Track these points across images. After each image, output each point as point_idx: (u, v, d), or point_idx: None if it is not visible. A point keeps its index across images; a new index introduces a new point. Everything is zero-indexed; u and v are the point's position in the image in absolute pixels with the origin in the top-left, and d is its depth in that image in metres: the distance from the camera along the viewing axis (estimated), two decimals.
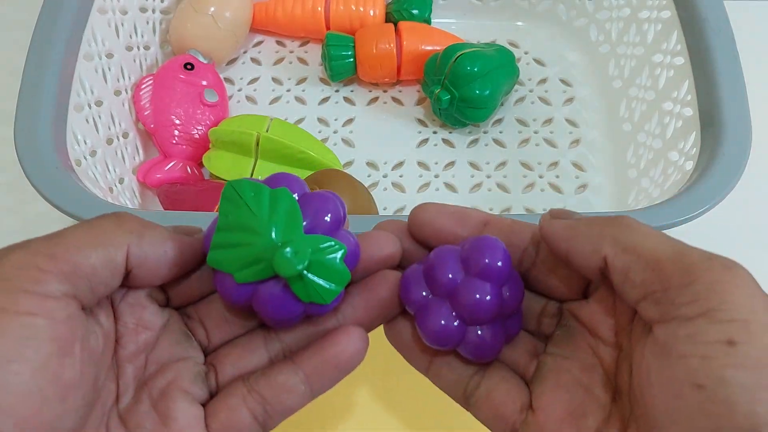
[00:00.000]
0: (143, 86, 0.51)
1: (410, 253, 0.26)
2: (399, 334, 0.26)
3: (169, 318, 0.25)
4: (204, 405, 0.24)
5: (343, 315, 0.25)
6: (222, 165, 0.49)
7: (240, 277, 0.23)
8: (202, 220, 0.38)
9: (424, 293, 0.24)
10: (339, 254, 0.23)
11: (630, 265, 0.21)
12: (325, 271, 0.22)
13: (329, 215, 0.23)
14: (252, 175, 0.48)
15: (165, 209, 0.47)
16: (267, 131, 0.48)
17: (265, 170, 0.49)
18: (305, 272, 0.22)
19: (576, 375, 0.23)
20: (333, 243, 0.23)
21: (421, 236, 0.26)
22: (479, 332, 0.24)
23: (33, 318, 0.19)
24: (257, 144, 0.48)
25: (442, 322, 0.24)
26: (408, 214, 0.24)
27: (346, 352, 0.23)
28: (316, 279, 0.22)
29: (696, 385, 0.18)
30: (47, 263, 0.20)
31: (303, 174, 0.47)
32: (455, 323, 0.24)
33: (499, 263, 0.23)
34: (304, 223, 0.23)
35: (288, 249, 0.22)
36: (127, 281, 0.23)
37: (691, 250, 0.21)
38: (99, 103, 0.47)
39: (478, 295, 0.23)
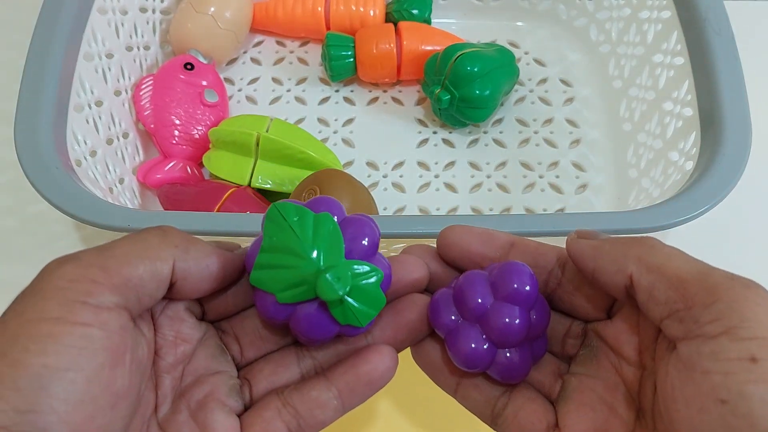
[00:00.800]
0: (143, 86, 0.51)
1: (437, 276, 0.27)
2: (427, 356, 0.26)
3: (206, 332, 0.26)
4: (239, 417, 0.24)
5: (373, 336, 0.26)
6: (222, 165, 0.49)
7: (282, 297, 0.24)
8: (202, 220, 0.38)
9: (453, 317, 0.25)
10: (375, 279, 0.24)
11: (655, 284, 0.22)
12: (363, 295, 0.23)
13: (366, 239, 0.24)
14: (252, 174, 0.48)
15: (165, 209, 0.47)
16: (267, 131, 0.48)
17: (265, 170, 0.49)
18: (345, 296, 0.23)
19: (600, 394, 0.24)
20: (370, 269, 0.24)
21: (449, 257, 0.27)
22: (508, 354, 0.25)
23: (88, 328, 0.20)
24: (257, 144, 0.48)
25: (473, 345, 0.24)
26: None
27: (378, 369, 0.24)
28: (354, 303, 0.23)
29: (719, 400, 0.19)
30: (100, 275, 0.21)
31: (303, 174, 0.47)
32: (485, 346, 0.24)
33: (527, 287, 0.24)
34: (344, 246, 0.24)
35: (330, 274, 0.23)
36: (170, 293, 0.24)
37: (714, 270, 0.21)
38: (99, 104, 0.47)
39: (507, 319, 0.24)
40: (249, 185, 0.48)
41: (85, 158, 0.44)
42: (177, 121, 0.51)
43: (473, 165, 0.53)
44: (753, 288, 0.20)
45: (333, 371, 0.25)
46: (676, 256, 0.22)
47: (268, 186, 0.48)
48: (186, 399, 0.24)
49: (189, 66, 0.52)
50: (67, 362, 0.19)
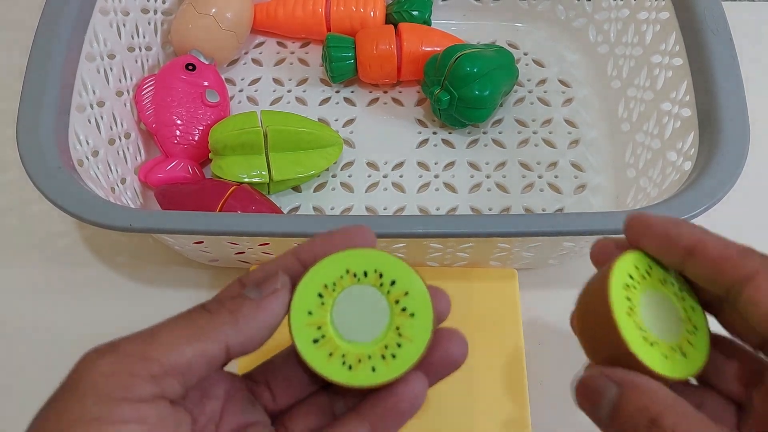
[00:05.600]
0: (145, 86, 0.52)
1: None
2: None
3: (232, 383, 0.25)
4: None
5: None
6: (237, 169, 0.49)
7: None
8: (202, 219, 0.39)
9: None
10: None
11: None
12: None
13: None
14: (269, 169, 0.49)
15: (163, 209, 0.47)
16: (261, 124, 0.49)
17: (279, 161, 0.49)
18: None
19: None
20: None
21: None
22: None
23: (128, 426, 0.20)
24: (264, 138, 0.49)
25: None
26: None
27: (407, 399, 0.24)
28: None
29: None
30: (138, 367, 0.21)
31: (313, 155, 0.50)
32: None
33: None
34: None
35: None
36: None
37: None
38: (101, 104, 0.48)
39: None
40: (271, 180, 0.49)
41: (87, 158, 0.44)
42: (178, 121, 0.51)
43: (473, 165, 0.53)
44: None
45: (363, 406, 0.24)
46: None
47: (292, 177, 0.50)
48: None
49: (190, 66, 0.52)
50: None
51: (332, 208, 0.51)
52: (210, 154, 0.51)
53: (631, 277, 0.24)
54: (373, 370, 0.23)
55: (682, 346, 0.24)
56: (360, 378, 0.23)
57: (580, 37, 0.59)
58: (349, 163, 0.53)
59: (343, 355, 0.23)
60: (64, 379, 0.21)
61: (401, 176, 0.53)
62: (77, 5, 0.45)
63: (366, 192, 0.52)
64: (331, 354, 0.23)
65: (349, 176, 0.53)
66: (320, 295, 0.24)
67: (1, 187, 0.53)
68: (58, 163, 0.39)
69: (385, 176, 0.53)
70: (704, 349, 0.24)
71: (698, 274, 0.23)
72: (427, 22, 0.57)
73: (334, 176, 0.53)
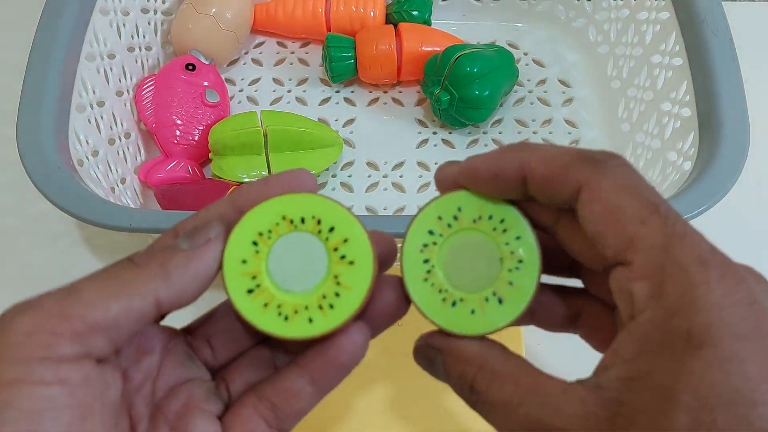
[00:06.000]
0: (145, 86, 0.52)
1: None
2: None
3: (170, 338, 0.24)
4: (220, 419, 0.23)
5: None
6: (237, 169, 0.49)
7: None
8: None
9: None
10: None
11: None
12: None
13: None
14: (269, 169, 0.49)
15: (163, 209, 0.47)
16: (261, 125, 0.49)
17: (279, 161, 0.49)
18: None
19: None
20: None
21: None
22: None
23: (49, 387, 0.19)
24: (264, 138, 0.49)
25: None
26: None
27: (347, 350, 0.23)
28: None
29: None
30: (59, 325, 0.19)
31: (312, 154, 0.50)
32: None
33: None
34: None
35: None
36: None
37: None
38: (101, 104, 0.48)
39: None
40: None
41: (87, 158, 0.44)
42: (178, 121, 0.51)
43: None
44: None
45: (303, 359, 0.23)
46: None
47: None
48: (163, 413, 0.23)
49: (190, 66, 0.52)
50: (30, 427, 0.18)
51: None
52: (210, 154, 0.51)
53: (431, 232, 0.24)
54: (310, 321, 0.22)
55: (499, 290, 0.23)
56: (296, 329, 0.22)
57: (580, 37, 0.59)
58: (349, 163, 0.53)
59: (279, 306, 0.22)
60: None
61: (401, 176, 0.53)
62: (77, 5, 0.45)
63: (366, 192, 0.52)
64: (266, 305, 0.22)
65: (349, 176, 0.53)
66: (255, 243, 0.23)
67: (0, 186, 0.53)
68: (58, 163, 0.39)
69: (385, 176, 0.53)
70: (529, 286, 0.23)
71: (538, 197, 0.22)
72: (427, 22, 0.57)
73: (334, 176, 0.53)
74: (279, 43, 0.60)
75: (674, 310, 0.18)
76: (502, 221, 0.23)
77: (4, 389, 0.18)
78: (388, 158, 0.53)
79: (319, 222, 0.23)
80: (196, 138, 0.51)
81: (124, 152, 0.50)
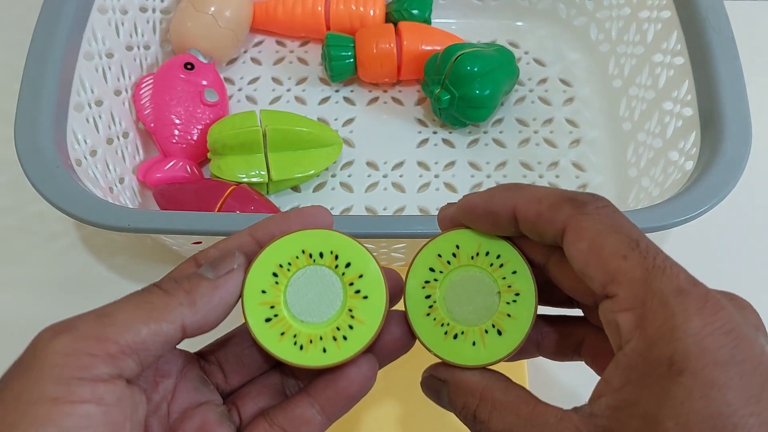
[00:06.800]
0: (143, 85, 0.51)
1: None
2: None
3: (185, 362, 0.25)
4: None
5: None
6: (236, 169, 0.49)
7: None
8: (201, 219, 0.38)
9: None
10: None
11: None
12: None
13: None
14: (268, 169, 0.49)
15: (162, 209, 0.47)
16: (260, 124, 0.49)
17: (278, 161, 0.49)
18: None
19: None
20: None
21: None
22: None
23: (86, 406, 0.20)
24: (263, 138, 0.49)
25: None
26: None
27: (356, 381, 0.24)
28: None
29: None
30: (95, 347, 0.20)
31: (312, 154, 0.50)
32: None
33: None
34: None
35: None
36: None
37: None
38: (99, 103, 0.47)
39: None
40: (270, 180, 0.49)
41: (85, 157, 0.44)
42: (177, 121, 0.51)
43: (473, 165, 0.53)
44: None
45: (314, 387, 0.24)
46: None
47: (291, 177, 0.49)
48: None
49: (189, 65, 0.52)
50: None
51: (332, 208, 0.51)
52: (209, 154, 0.51)
53: (431, 270, 0.25)
54: (324, 351, 0.24)
55: (498, 322, 0.24)
56: (310, 358, 0.24)
57: (581, 36, 0.59)
58: (349, 163, 0.53)
59: (295, 335, 0.24)
60: (19, 358, 0.21)
61: (401, 176, 0.52)
62: (75, 4, 0.45)
63: (366, 192, 0.52)
64: (282, 333, 0.24)
65: (349, 176, 0.52)
66: (275, 275, 0.24)
67: None
68: (57, 163, 0.39)
69: (384, 176, 0.52)
70: (527, 317, 0.24)
71: (529, 236, 0.23)
72: (427, 21, 0.57)
73: (333, 176, 0.52)
74: (278, 42, 0.60)
75: (656, 339, 0.19)
76: (498, 257, 0.25)
77: (46, 406, 0.19)
78: (388, 158, 0.53)
79: (336, 257, 0.24)
80: (195, 137, 0.51)
81: (122, 152, 0.49)
